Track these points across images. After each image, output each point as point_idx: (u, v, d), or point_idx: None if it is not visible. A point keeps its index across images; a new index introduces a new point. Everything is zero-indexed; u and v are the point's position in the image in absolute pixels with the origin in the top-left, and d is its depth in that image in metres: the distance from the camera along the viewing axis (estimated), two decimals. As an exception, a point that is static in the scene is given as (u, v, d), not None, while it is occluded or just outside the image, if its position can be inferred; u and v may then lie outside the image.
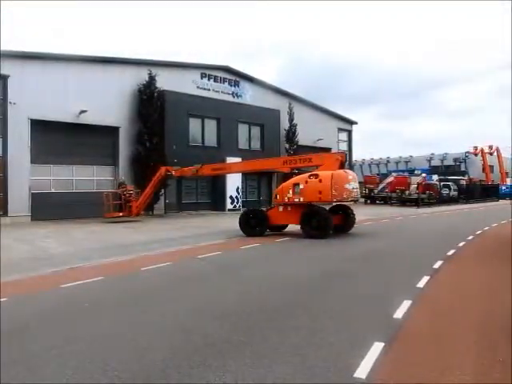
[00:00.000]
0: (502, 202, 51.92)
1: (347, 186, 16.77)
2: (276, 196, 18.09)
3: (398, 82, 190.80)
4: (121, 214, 24.15)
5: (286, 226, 18.46)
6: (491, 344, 5.48)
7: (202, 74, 32.60)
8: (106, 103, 26.87)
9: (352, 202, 18.60)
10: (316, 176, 16.90)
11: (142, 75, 28.33)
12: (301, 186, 16.99)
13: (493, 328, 6.15)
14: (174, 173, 22.68)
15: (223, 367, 4.75)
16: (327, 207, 18.01)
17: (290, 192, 17.26)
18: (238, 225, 18.03)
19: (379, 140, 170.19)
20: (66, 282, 9.10)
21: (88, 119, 25.96)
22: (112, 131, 27.79)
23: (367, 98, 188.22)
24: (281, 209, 17.82)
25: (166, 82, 28.98)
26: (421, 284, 8.68)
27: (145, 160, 27.49)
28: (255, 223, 17.83)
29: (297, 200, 17.10)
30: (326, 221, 16.45)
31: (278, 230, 18.42)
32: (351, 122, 46.19)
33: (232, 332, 5.89)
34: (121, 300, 7.81)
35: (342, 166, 17.51)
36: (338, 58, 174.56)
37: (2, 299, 7.58)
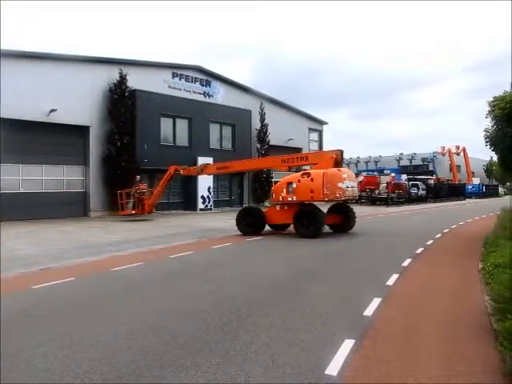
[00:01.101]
0: (468, 200, 53.24)
1: (340, 184, 16.53)
2: (272, 195, 18.16)
3: (369, 83, 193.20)
4: (133, 212, 24.73)
5: (289, 225, 18.05)
6: (458, 339, 5.69)
7: (173, 73, 32.46)
8: (77, 102, 26.51)
9: (347, 202, 18.47)
10: (308, 175, 16.88)
11: (113, 74, 28.06)
12: (294, 185, 16.97)
13: (459, 324, 6.32)
14: (182, 171, 22.72)
15: (195, 367, 4.78)
16: (326, 207, 18.12)
17: (284, 191, 17.26)
18: (210, 224, 18.05)
19: (350, 140, 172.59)
20: (38, 282, 9.02)
21: (58, 118, 25.57)
22: (82, 131, 27.42)
23: (339, 99, 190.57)
24: (278, 208, 17.86)
25: (138, 81, 28.79)
26: (390, 282, 8.89)
27: (116, 160, 27.26)
28: (252, 222, 17.83)
29: (290, 199, 17.08)
30: (318, 220, 16.42)
31: (282, 229, 18.46)
32: (322, 123, 46.69)
33: (203, 331, 5.92)
34: (92, 301, 7.77)
35: (337, 164, 17.26)
36: (311, 59, 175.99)
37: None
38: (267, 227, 18.27)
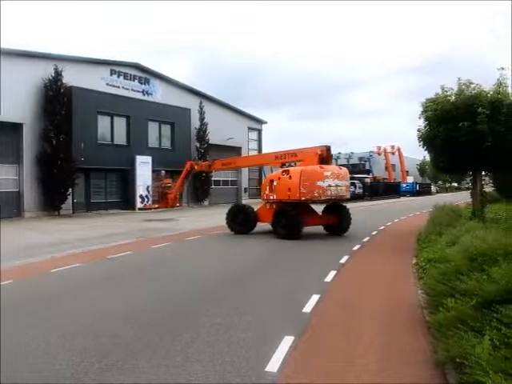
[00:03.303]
0: (402, 198, 55.43)
1: (320, 183, 15.43)
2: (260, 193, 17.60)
3: (309, 83, 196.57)
4: (156, 206, 26.27)
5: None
6: (393, 332, 5.93)
7: (111, 70, 31.97)
8: (9, 98, 25.51)
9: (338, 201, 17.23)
10: (287, 172, 16.24)
11: (48, 70, 27.22)
12: (274, 183, 16.49)
13: (394, 317, 6.59)
14: (196, 167, 22.47)
15: (136, 368, 4.78)
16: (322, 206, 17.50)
17: (267, 189, 16.79)
18: (148, 223, 17.78)
19: (291, 140, 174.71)
20: None
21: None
22: (15, 128, 26.50)
23: (279, 99, 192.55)
24: (268, 206, 17.24)
25: (74, 78, 28.07)
26: (328, 278, 9.15)
27: (51, 158, 26.53)
28: (243, 220, 17.44)
29: (271, 197, 16.61)
30: (294, 221, 15.56)
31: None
32: (261, 122, 47.39)
33: (143, 332, 5.91)
34: (30, 303, 7.61)
35: (323, 161, 16.28)
36: (251, 59, 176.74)
37: None
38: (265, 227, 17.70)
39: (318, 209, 17.63)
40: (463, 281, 6.02)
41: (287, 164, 17.40)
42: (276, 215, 16.16)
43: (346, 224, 17.02)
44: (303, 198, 15.64)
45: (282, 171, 16.57)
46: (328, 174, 15.74)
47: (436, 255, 9.52)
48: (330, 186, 15.63)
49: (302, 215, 15.89)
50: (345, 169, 17.32)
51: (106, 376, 4.63)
